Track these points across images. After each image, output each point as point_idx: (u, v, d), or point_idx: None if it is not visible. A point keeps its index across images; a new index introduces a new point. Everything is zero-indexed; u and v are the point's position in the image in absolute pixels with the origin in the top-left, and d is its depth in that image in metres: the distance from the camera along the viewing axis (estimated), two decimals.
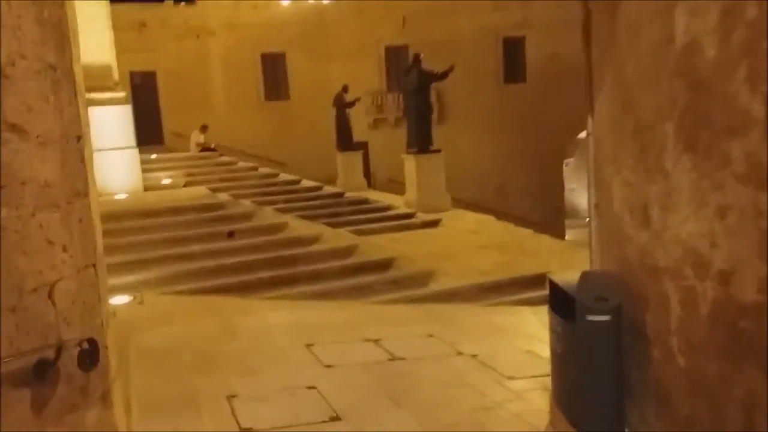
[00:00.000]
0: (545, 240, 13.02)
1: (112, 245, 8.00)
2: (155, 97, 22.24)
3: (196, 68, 21.99)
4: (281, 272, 7.79)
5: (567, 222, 24.11)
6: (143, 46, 21.17)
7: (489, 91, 23.31)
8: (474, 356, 5.14)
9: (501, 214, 13.33)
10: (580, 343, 3.40)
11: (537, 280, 8.40)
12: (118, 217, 8.95)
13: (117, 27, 14.11)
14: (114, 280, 7.36)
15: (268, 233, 8.80)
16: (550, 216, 22.11)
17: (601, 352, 3.40)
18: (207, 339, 5.61)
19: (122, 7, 19.85)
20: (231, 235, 8.46)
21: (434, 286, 7.97)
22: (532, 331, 5.87)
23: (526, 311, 7.04)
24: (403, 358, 5.05)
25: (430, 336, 5.73)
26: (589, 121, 4.09)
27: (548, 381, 4.60)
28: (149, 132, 21.11)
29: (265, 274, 7.68)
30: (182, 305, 6.75)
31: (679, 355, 2.83)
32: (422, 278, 8.10)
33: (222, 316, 6.28)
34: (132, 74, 21.06)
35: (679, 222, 2.61)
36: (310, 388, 4.39)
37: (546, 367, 4.92)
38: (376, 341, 5.47)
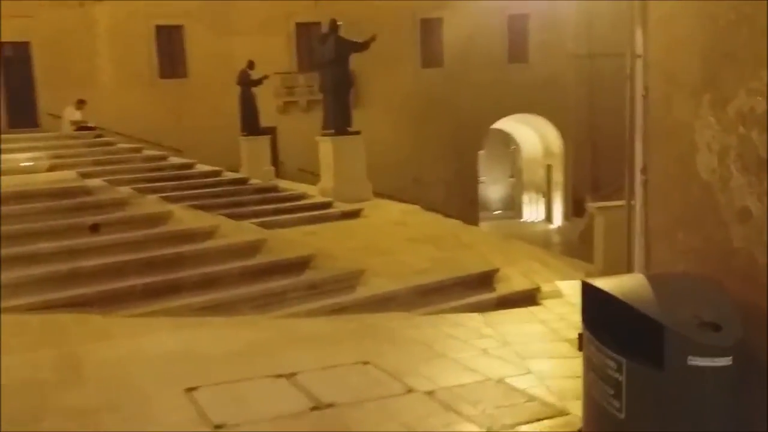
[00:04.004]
0: (478, 232, 11.88)
1: None
2: (29, 72, 19.65)
3: (80, 40, 19.77)
4: (161, 278, 5.89)
5: (480, 214, 23.76)
6: (15, 11, 18.38)
7: (406, 76, 22.14)
8: (430, 394, 3.80)
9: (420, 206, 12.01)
10: (673, 404, 1.87)
11: (484, 279, 7.10)
12: None
13: None
14: None
15: (147, 226, 6.84)
16: (465, 207, 21.45)
17: (714, 423, 1.89)
18: (34, 385, 3.80)
19: None
20: (94, 228, 6.47)
21: (363, 291, 6.39)
22: (490, 347, 4.91)
23: (477, 320, 5.92)
24: (331, 405, 3.63)
25: (366, 363, 4.36)
26: (638, 33, 2.57)
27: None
28: (21, 112, 18.69)
29: (137, 281, 5.77)
30: (12, 329, 4.81)
31: None
32: (348, 280, 6.49)
33: (67, 345, 4.50)
34: (1, 45, 18.32)
35: None
36: None
37: (529, 408, 3.54)
38: (291, 377, 4.01)
